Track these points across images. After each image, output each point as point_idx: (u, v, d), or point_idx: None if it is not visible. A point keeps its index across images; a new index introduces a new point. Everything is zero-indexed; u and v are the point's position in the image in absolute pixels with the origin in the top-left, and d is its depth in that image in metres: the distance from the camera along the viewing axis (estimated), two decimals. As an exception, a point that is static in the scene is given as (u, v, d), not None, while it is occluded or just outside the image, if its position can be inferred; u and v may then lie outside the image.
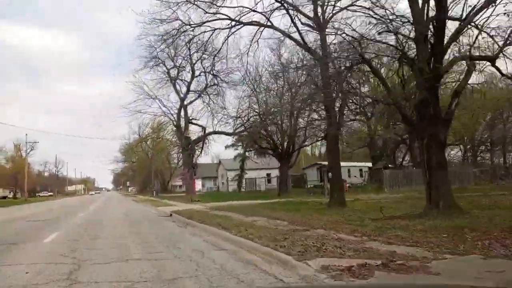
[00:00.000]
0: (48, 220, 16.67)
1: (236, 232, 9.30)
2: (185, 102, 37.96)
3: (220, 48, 20.21)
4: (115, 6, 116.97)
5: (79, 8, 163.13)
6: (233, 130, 37.13)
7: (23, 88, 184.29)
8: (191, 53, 34.59)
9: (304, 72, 17.32)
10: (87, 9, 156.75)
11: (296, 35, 16.04)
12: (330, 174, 15.46)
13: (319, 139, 28.67)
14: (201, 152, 38.71)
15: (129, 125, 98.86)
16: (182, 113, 38.27)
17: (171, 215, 17.80)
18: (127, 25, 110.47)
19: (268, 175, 52.03)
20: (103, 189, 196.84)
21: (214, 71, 35.69)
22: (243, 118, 29.37)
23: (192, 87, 37.29)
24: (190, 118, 38.21)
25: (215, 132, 37.78)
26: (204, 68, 37.06)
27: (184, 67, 37.83)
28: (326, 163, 50.39)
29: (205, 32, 18.37)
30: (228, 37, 17.48)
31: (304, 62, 17.69)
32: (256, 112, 28.35)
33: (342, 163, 48.70)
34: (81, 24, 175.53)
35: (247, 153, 36.85)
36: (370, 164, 47.44)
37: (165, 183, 74.82)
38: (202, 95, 36.02)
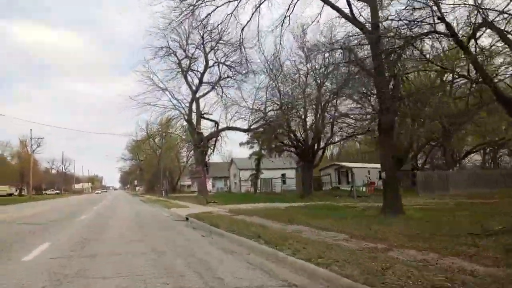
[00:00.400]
0: (44, 223, 14.10)
1: (291, 250, 6.60)
2: (197, 95, 35.37)
3: (242, 29, 17.43)
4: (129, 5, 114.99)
5: (89, 8, 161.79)
6: (248, 126, 34.51)
7: (33, 88, 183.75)
8: (205, 41, 32.10)
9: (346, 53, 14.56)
10: (99, 8, 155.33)
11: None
12: (384, 174, 12.63)
13: (363, 132, 25.55)
14: (213, 150, 36.11)
15: (136, 123, 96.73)
16: (194, 107, 35.68)
17: (187, 219, 15.18)
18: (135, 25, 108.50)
19: (283, 175, 49.27)
20: (110, 187, 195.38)
21: (228, 61, 33.19)
22: (262, 111, 26.55)
23: (205, 79, 34.72)
24: (202, 112, 35.61)
25: (229, 128, 35.11)
26: (217, 58, 34.54)
27: (196, 58, 35.33)
28: (345, 163, 47.83)
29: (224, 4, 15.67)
30: (257, 7, 14.80)
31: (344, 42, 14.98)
32: (277, 104, 25.57)
33: (357, 164, 46.17)
34: (93, 25, 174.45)
35: (263, 151, 34.06)
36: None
37: (173, 182, 72.35)
38: (216, 87, 33.40)
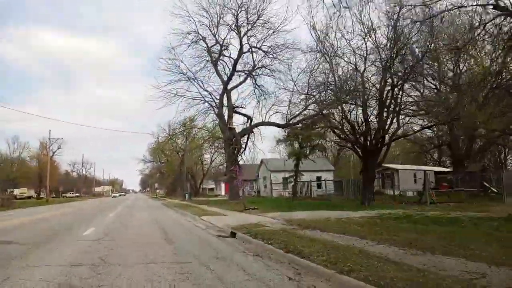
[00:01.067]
0: (24, 243, 9.75)
1: None
2: (229, 87, 31.06)
3: None
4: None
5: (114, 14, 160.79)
6: (286, 120, 30.00)
7: (61, 94, 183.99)
8: (239, 22, 27.82)
9: None
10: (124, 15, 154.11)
11: None
12: None
13: (440, 122, 20.54)
14: (245, 148, 31.70)
15: (158, 125, 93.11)
16: (225, 100, 31.37)
17: (233, 234, 10.73)
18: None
19: (319, 178, 44.37)
20: (130, 191, 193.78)
21: (265, 46, 28.80)
22: (313, 96, 21.82)
23: (238, 68, 30.36)
24: (234, 105, 31.26)
25: (264, 123, 30.73)
26: (250, 45, 30.18)
27: (227, 46, 31.07)
28: (389, 165, 42.57)
29: None
30: None
31: None
32: (331, 90, 20.89)
33: (405, 166, 40.81)
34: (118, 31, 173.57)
35: (305, 149, 29.42)
36: (436, 169, 39.24)
37: (197, 185, 68.26)
38: (251, 76, 28.99)
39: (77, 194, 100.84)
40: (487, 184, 29.09)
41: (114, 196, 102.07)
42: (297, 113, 28.19)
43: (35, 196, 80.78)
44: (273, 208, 21.41)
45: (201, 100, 31.00)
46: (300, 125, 29.71)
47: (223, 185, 63.59)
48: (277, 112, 29.48)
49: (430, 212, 16.13)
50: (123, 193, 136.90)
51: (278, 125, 30.49)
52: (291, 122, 29.93)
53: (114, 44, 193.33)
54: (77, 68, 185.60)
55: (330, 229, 10.95)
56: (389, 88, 19.65)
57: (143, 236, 10.85)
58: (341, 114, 20.43)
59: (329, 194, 39.23)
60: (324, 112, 20.42)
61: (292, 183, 30.27)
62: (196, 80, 30.12)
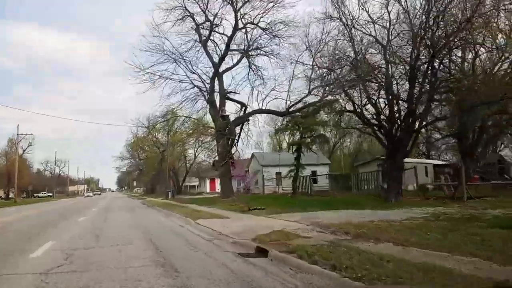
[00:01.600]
0: None
1: None
2: (221, 69, 27.24)
3: None
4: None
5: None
6: (286, 108, 26.51)
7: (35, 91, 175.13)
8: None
9: None
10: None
11: None
12: None
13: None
14: (238, 140, 27.96)
15: (138, 119, 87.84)
16: (216, 85, 27.48)
17: (262, 252, 7.14)
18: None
19: (314, 173, 41.02)
20: (107, 189, 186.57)
21: (264, 22, 25.16)
22: (335, 72, 18.22)
23: (232, 47, 26.54)
24: (227, 91, 27.49)
25: (261, 111, 27.11)
26: (243, 23, 26.40)
27: (218, 23, 27.17)
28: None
29: None
30: None
31: None
32: (349, 63, 17.42)
33: (415, 160, 37.91)
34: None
35: (308, 139, 25.95)
36: (436, 162, 36.56)
37: (179, 182, 64.01)
38: (247, 55, 25.28)
39: (50, 194, 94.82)
40: (507, 176, 26.48)
41: (88, 196, 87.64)
42: (296, 100, 24.77)
43: (3, 197, 75.09)
44: (282, 207, 17.84)
45: (189, 84, 26.98)
46: (300, 113, 26.29)
47: (208, 181, 59.64)
48: (276, 98, 25.96)
49: (488, 209, 12.94)
50: (98, 192, 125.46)
51: (277, 113, 27.00)
52: (291, 110, 26.46)
53: (96, 39, 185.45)
54: (54, 63, 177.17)
55: (397, 239, 7.61)
56: (423, 61, 16.34)
57: (125, 258, 7.08)
58: (359, 96, 17.02)
59: (325, 190, 36.05)
60: (337, 94, 16.93)
61: (292, 178, 26.74)
62: (183, 60, 26.16)
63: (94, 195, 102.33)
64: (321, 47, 19.04)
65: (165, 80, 26.76)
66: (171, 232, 11.90)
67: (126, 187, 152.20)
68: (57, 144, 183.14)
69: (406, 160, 41.39)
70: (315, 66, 19.57)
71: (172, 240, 9.89)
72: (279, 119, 63.08)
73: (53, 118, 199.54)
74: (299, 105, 26.22)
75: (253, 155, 42.95)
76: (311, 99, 25.18)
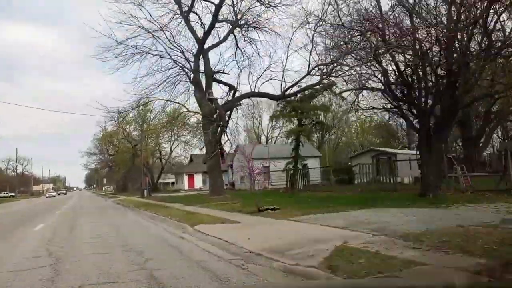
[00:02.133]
0: None
1: None
2: (206, 46, 23.41)
3: None
4: None
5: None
6: (282, 91, 23.11)
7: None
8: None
9: None
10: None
11: None
12: None
13: None
14: (225, 127, 24.26)
15: (106, 111, 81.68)
16: (201, 66, 23.62)
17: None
18: None
19: (304, 166, 37.87)
20: (74, 188, 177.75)
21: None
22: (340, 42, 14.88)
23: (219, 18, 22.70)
24: (214, 71, 23.73)
25: (254, 94, 23.57)
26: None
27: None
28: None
29: None
30: None
31: None
32: (378, 30, 14.12)
33: (404, 151, 35.50)
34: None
35: (309, 125, 22.69)
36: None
37: (153, 179, 59.54)
38: (239, 25, 21.62)
39: (12, 194, 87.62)
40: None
41: (50, 196, 74.37)
42: (293, 82, 21.43)
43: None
44: (295, 206, 14.42)
45: (170, 61, 22.76)
46: (300, 95, 22.95)
47: (186, 178, 55.55)
48: (271, 79, 22.41)
49: None
50: (63, 191, 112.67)
51: (272, 97, 23.52)
52: (287, 93, 23.05)
53: (57, 31, 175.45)
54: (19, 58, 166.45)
55: None
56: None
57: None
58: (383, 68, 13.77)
59: (317, 184, 33.08)
60: (364, 64, 13.61)
61: (292, 172, 23.44)
62: (163, 33, 22.09)
63: (60, 194, 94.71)
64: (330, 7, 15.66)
65: (140, 57, 22.61)
66: (167, 245, 8.28)
67: (94, 186, 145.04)
68: (20, 140, 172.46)
69: (400, 151, 38.78)
70: (326, 30, 16.13)
71: (176, 267, 6.22)
72: (263, 109, 59.97)
73: (16, 114, 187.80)
74: (296, 89, 22.85)
75: (237, 147, 39.39)
76: (308, 80, 21.96)
